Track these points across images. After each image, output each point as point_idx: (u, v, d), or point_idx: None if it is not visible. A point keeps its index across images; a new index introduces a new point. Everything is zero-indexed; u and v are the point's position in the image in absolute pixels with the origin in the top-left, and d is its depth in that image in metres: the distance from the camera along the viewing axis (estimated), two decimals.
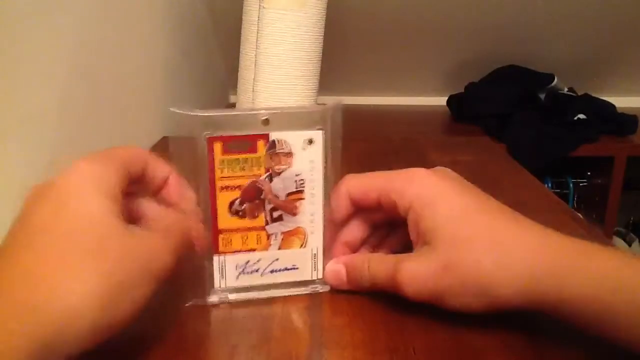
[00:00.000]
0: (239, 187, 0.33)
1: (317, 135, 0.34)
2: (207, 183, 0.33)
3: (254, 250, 0.34)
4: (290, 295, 0.35)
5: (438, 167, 0.35)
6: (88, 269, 0.24)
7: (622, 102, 1.36)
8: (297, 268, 0.36)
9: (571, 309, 0.28)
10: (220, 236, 0.34)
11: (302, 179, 0.34)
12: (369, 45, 1.32)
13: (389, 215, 0.35)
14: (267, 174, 0.34)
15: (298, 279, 0.36)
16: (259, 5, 0.78)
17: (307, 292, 0.36)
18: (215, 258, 0.34)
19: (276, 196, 0.34)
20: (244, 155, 0.33)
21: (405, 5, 1.21)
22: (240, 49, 0.85)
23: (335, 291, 0.36)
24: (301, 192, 0.35)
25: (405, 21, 1.26)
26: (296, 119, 0.35)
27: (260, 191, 0.34)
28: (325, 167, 0.35)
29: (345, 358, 0.29)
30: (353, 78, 1.42)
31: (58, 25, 0.51)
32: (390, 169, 0.35)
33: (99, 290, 0.24)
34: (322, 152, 0.34)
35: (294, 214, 0.35)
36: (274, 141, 0.33)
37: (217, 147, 0.32)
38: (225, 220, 0.34)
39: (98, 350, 0.24)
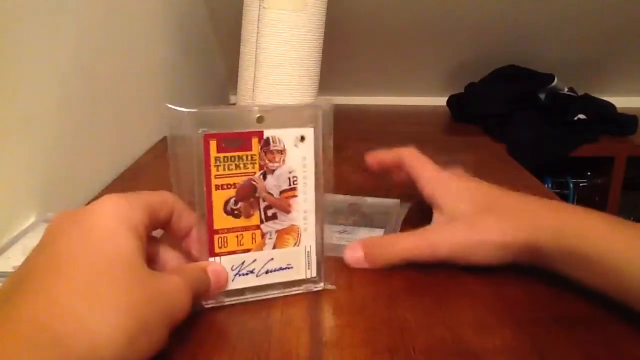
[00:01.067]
0: (233, 185, 0.33)
1: (309, 132, 0.34)
2: (202, 182, 0.33)
3: (249, 250, 0.34)
4: (286, 296, 0.35)
5: (456, 169, 0.43)
6: (116, 305, 0.24)
7: (622, 102, 1.36)
8: (291, 267, 0.36)
9: (561, 258, 0.33)
10: (216, 236, 0.34)
11: (295, 176, 0.35)
12: (369, 45, 1.32)
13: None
14: (261, 171, 0.34)
15: (292, 278, 0.36)
16: (259, 5, 0.78)
17: (301, 291, 0.36)
18: (211, 260, 0.34)
19: (270, 194, 0.34)
20: (238, 153, 0.33)
21: (406, 6, 1.21)
22: (240, 49, 0.85)
23: (335, 291, 0.36)
24: (294, 189, 0.35)
25: (406, 21, 1.26)
26: (289, 117, 0.35)
27: (254, 189, 0.34)
28: (316, 164, 0.35)
29: (345, 358, 0.29)
30: (353, 78, 1.42)
31: (58, 26, 0.51)
32: None
33: (125, 327, 0.24)
34: (313, 148, 0.35)
35: (288, 212, 0.35)
36: (268, 138, 0.34)
37: (213, 144, 0.32)
38: (220, 219, 0.33)
39: None
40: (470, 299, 0.35)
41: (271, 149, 0.34)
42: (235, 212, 0.34)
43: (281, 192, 0.35)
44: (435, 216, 0.40)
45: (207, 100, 1.23)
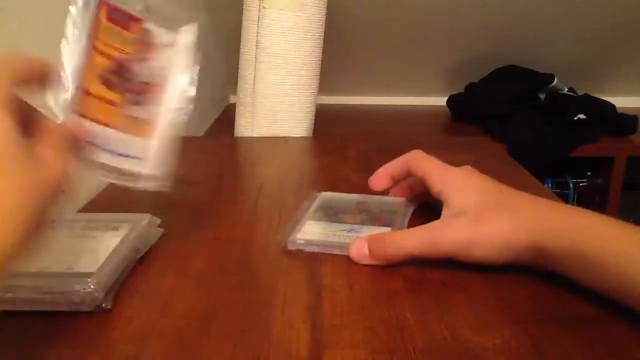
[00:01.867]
0: (112, 58, 0.35)
1: (188, 37, 0.37)
2: (88, 39, 0.34)
3: (106, 125, 0.35)
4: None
5: (466, 167, 0.43)
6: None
7: (622, 102, 1.36)
8: (138, 158, 0.36)
9: (564, 259, 0.33)
10: (85, 97, 0.34)
11: (165, 74, 0.36)
12: (369, 45, 1.32)
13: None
14: (138, 56, 0.36)
15: (135, 169, 0.36)
16: (259, 5, 0.78)
17: (138, 186, 0.37)
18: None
19: (141, 81, 0.36)
20: (123, 31, 0.35)
21: (406, 6, 1.21)
22: (240, 49, 0.85)
23: (335, 291, 0.36)
24: (161, 86, 0.36)
25: (405, 22, 1.26)
26: (170, 20, 0.37)
27: (128, 70, 0.35)
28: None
29: (345, 358, 0.29)
30: (353, 78, 1.42)
31: (58, 25, 0.51)
32: None
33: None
34: (186, 55, 0.37)
35: (150, 104, 0.36)
36: (147, 29, 0.36)
37: (103, 11, 0.34)
38: (93, 84, 0.34)
39: None
40: (470, 298, 0.35)
41: (150, 40, 0.36)
42: (107, 83, 0.35)
43: (149, 84, 0.36)
44: (444, 211, 0.40)
45: (207, 99, 1.23)
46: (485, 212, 0.37)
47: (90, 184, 0.56)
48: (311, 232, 0.43)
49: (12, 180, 0.26)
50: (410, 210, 0.47)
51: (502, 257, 0.36)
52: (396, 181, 0.47)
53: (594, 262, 0.32)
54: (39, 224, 0.27)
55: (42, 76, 0.32)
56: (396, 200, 0.48)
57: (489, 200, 0.38)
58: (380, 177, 0.47)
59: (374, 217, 0.45)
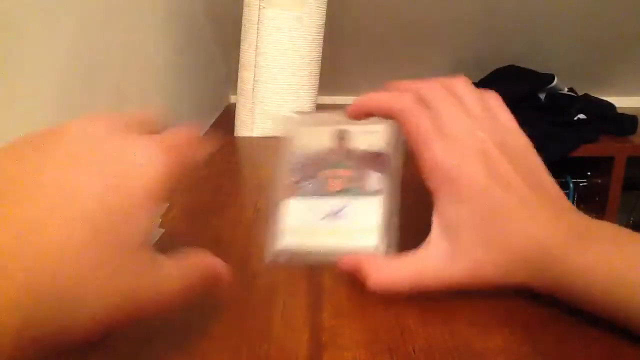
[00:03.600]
0: None
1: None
2: None
3: None
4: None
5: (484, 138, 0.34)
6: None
7: (622, 102, 1.36)
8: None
9: (566, 283, 0.30)
10: None
11: None
12: (369, 45, 1.32)
13: None
14: None
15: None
16: (259, 5, 0.78)
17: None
18: None
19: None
20: None
21: (406, 6, 1.21)
22: (240, 49, 0.85)
23: (335, 291, 0.36)
24: None
25: (406, 21, 1.26)
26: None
27: None
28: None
29: (345, 358, 0.29)
30: (353, 78, 1.42)
31: (57, 26, 0.51)
32: None
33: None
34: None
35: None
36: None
37: None
38: None
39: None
40: (470, 298, 0.35)
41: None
42: None
43: None
44: (433, 221, 0.33)
45: (207, 99, 1.22)
46: (473, 248, 0.31)
47: None
48: (295, 230, 0.37)
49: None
50: (401, 147, 0.39)
51: (502, 282, 0.32)
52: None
53: (595, 296, 0.29)
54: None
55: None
56: (382, 127, 0.39)
57: (482, 225, 0.31)
58: (357, 110, 0.37)
59: (360, 164, 0.38)
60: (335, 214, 0.36)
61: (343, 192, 0.37)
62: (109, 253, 0.22)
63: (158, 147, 0.26)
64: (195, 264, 0.29)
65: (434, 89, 0.35)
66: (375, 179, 0.37)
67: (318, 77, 0.84)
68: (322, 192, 0.37)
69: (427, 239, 0.33)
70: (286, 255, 0.37)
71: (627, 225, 1.54)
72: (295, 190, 0.38)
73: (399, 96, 0.34)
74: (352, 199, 0.37)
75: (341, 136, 0.39)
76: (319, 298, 0.35)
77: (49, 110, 0.49)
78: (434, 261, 0.32)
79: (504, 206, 0.31)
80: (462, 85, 0.36)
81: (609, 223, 0.32)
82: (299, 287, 0.36)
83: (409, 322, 0.32)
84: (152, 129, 0.28)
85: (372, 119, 0.38)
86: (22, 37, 0.44)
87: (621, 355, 0.29)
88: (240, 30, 0.85)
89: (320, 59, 0.83)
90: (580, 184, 1.36)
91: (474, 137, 0.32)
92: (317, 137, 0.39)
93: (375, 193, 0.37)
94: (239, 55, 0.86)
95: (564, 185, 1.36)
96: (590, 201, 1.33)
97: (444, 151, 0.32)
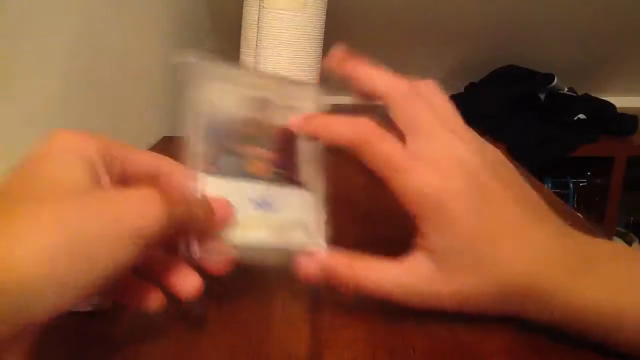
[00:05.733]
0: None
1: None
2: None
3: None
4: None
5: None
6: (36, 220, 0.20)
7: (622, 102, 1.36)
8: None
9: (559, 317, 0.28)
10: None
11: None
12: (368, 45, 1.32)
13: None
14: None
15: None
16: (259, 5, 0.78)
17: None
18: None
19: None
20: None
21: (406, 6, 1.21)
22: (240, 49, 0.85)
23: (335, 291, 0.35)
24: None
25: (406, 22, 1.26)
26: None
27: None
28: None
29: (345, 358, 0.29)
30: None
31: (57, 26, 0.51)
32: None
33: (47, 243, 0.19)
34: None
35: None
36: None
37: None
38: None
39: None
40: None
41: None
42: None
43: None
44: (417, 249, 0.30)
45: None
46: (463, 276, 0.29)
47: None
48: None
49: (52, 201, 0.21)
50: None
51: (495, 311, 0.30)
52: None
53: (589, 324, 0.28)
54: (82, 250, 0.20)
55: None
56: (308, 105, 0.33)
57: (473, 253, 0.28)
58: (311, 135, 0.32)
59: (283, 145, 0.32)
60: (264, 203, 0.30)
61: (268, 177, 0.31)
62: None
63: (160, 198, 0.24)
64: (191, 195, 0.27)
65: (403, 104, 0.31)
66: (302, 167, 0.32)
67: (318, 77, 0.84)
68: (244, 174, 0.30)
69: (412, 256, 0.30)
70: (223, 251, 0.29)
71: (627, 226, 1.53)
72: (212, 164, 0.30)
73: (356, 124, 0.30)
74: (280, 187, 0.31)
75: (262, 106, 0.32)
76: (319, 297, 0.35)
77: (49, 110, 0.49)
78: (422, 280, 0.29)
79: (496, 232, 0.28)
80: (432, 93, 0.32)
81: (603, 242, 0.31)
82: (299, 287, 0.36)
83: (409, 322, 0.32)
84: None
85: (298, 90, 0.33)
86: (23, 37, 0.44)
87: (620, 357, 0.29)
88: (240, 30, 0.85)
89: (320, 58, 0.83)
90: (580, 184, 1.36)
91: (458, 158, 0.29)
92: (229, 99, 0.31)
93: (302, 183, 0.32)
94: (239, 55, 0.86)
95: (564, 185, 1.36)
96: (590, 201, 1.33)
97: (426, 176, 0.28)
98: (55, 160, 0.23)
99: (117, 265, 0.22)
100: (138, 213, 0.22)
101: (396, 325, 0.32)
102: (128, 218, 0.22)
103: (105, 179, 0.25)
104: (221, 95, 0.30)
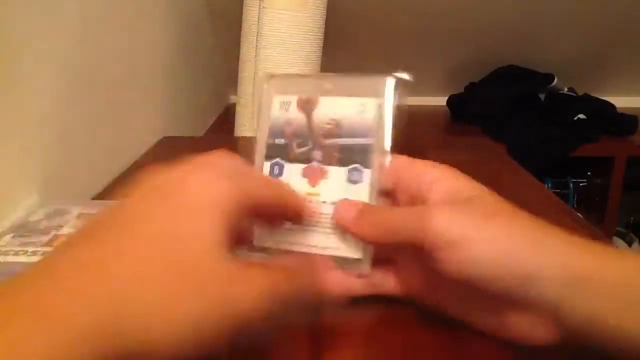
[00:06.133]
0: None
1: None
2: None
3: None
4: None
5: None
6: (186, 304, 0.21)
7: (622, 102, 1.36)
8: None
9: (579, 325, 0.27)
10: None
11: None
12: (368, 45, 1.32)
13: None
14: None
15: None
16: (259, 5, 0.78)
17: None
18: None
19: None
20: None
21: (406, 6, 1.21)
22: (240, 49, 0.85)
23: (335, 295, 0.35)
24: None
25: (406, 22, 1.26)
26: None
27: None
28: None
29: (345, 358, 0.29)
30: None
31: (58, 26, 0.51)
32: None
33: (181, 331, 0.21)
34: None
35: None
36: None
37: None
38: None
39: None
40: None
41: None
42: None
43: None
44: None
45: (207, 99, 1.23)
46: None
47: (90, 187, 0.56)
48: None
49: (196, 282, 0.21)
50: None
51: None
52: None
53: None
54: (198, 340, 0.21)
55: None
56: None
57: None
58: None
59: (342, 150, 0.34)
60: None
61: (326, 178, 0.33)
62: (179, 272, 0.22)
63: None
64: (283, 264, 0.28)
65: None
66: (361, 174, 0.33)
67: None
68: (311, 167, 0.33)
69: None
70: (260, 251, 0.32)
71: (627, 226, 1.53)
72: (293, 153, 0.34)
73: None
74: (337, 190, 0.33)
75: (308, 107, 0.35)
76: (318, 297, 0.35)
77: (50, 110, 0.49)
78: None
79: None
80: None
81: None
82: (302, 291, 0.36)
83: (409, 322, 0.32)
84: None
85: (360, 91, 0.35)
86: (24, 38, 0.44)
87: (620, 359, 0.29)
88: (240, 29, 0.85)
89: (320, 58, 0.83)
90: (580, 184, 1.36)
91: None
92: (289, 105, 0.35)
93: (359, 190, 0.33)
94: (239, 55, 0.86)
95: (564, 185, 1.36)
96: (590, 201, 1.33)
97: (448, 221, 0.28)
98: (201, 213, 0.23)
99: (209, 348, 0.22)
100: (251, 305, 0.23)
101: (396, 326, 0.32)
102: (239, 307, 0.23)
103: (235, 235, 0.25)
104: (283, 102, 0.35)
